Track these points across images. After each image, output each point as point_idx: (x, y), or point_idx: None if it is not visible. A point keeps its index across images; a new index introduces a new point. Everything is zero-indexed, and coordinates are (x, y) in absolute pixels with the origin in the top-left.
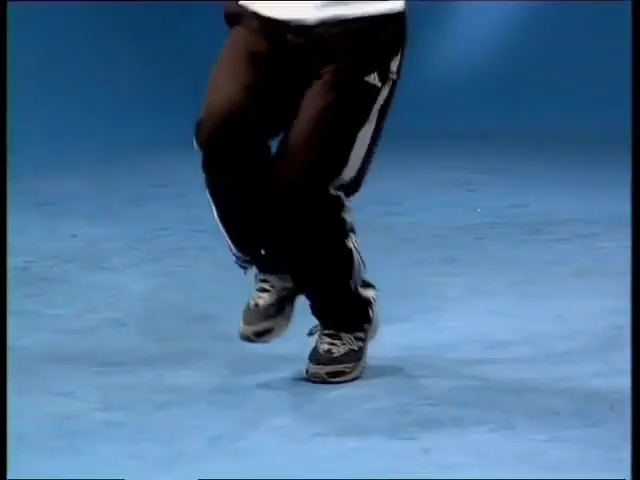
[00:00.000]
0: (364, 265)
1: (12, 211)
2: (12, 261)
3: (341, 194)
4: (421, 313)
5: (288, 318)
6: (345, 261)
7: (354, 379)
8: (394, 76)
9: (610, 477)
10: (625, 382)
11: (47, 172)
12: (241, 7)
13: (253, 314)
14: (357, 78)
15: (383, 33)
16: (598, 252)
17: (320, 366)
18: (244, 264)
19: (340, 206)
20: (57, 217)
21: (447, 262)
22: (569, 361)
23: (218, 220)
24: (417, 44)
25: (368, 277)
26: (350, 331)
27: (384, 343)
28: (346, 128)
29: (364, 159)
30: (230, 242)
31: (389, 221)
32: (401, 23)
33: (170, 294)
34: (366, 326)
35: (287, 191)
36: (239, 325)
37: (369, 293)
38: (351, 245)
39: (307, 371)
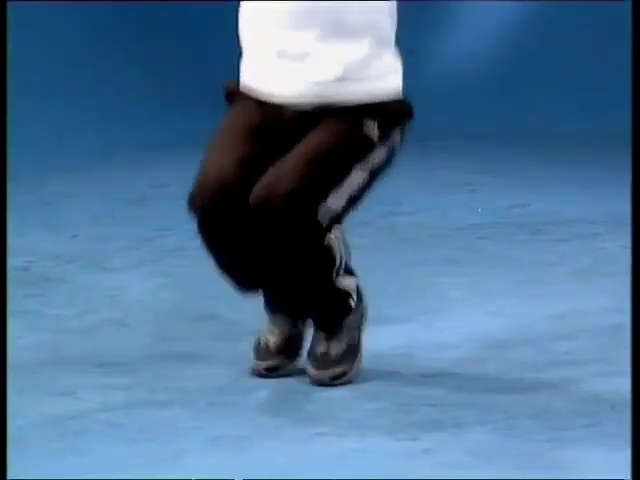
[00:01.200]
0: (348, 254)
1: (13, 211)
2: (13, 261)
3: (325, 221)
4: (422, 313)
5: (298, 354)
6: (324, 261)
7: (355, 377)
8: (392, 144)
9: (611, 477)
10: (626, 382)
11: (48, 172)
12: (240, 89)
13: (264, 351)
14: (355, 128)
15: (383, 105)
16: (599, 252)
17: (321, 371)
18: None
19: (323, 231)
20: (58, 217)
21: (448, 262)
22: (570, 361)
23: (216, 268)
24: (417, 44)
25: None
26: (334, 330)
27: (385, 343)
28: (337, 161)
29: (349, 201)
30: (234, 285)
31: (390, 221)
32: (402, 101)
33: (171, 294)
34: (358, 318)
35: (270, 207)
36: (251, 360)
37: (349, 283)
38: (334, 248)
39: (310, 376)
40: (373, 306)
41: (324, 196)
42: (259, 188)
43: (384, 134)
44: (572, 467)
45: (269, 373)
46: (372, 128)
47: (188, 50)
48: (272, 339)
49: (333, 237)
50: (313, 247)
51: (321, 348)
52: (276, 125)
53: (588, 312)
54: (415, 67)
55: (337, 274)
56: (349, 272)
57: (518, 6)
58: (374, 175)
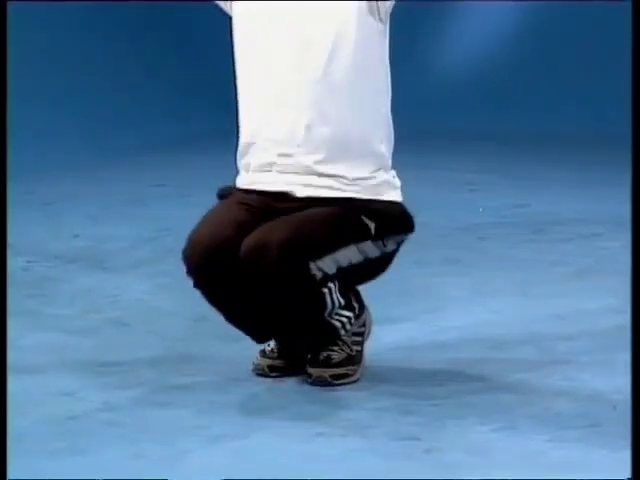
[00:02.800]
0: (344, 296)
1: (14, 211)
2: (14, 261)
3: (320, 275)
4: (424, 313)
5: (301, 359)
6: (318, 310)
7: (356, 381)
8: (387, 249)
9: (612, 477)
10: (627, 382)
11: (49, 172)
12: (233, 188)
13: (269, 351)
14: (353, 215)
15: (381, 213)
16: (600, 252)
17: (323, 369)
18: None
19: (316, 282)
20: (59, 217)
21: (450, 262)
22: (571, 361)
23: (226, 321)
24: (418, 44)
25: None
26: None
27: (386, 343)
28: (332, 231)
29: (339, 271)
30: (248, 336)
31: None
32: (402, 210)
33: (171, 294)
34: (362, 329)
35: (264, 255)
36: (255, 357)
37: (341, 318)
38: (327, 298)
39: (310, 375)
40: (375, 306)
41: (317, 255)
42: (250, 239)
43: (380, 236)
44: (573, 467)
45: (271, 372)
46: (369, 223)
47: (188, 50)
48: (277, 347)
49: (327, 291)
50: (306, 296)
51: (323, 354)
52: (272, 203)
53: (589, 312)
54: (415, 67)
55: (330, 315)
56: (347, 307)
57: (518, 6)
58: (368, 264)
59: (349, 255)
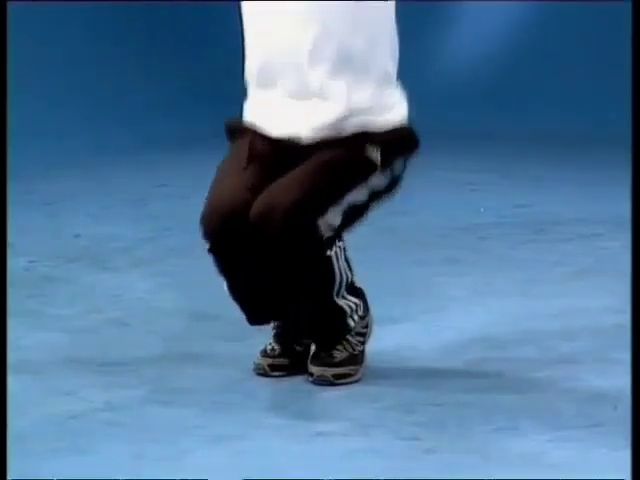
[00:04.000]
0: (351, 274)
1: (15, 211)
2: (15, 261)
3: (327, 234)
4: (424, 313)
5: (302, 360)
6: (325, 277)
7: (357, 381)
8: (395, 172)
9: (613, 477)
10: (628, 382)
11: (50, 172)
12: (241, 124)
13: (270, 351)
14: (357, 152)
15: (386, 137)
16: (601, 252)
17: (325, 368)
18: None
19: (323, 244)
20: (60, 217)
21: (450, 262)
22: (573, 361)
23: (229, 294)
24: (418, 44)
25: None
26: (328, 347)
27: (387, 343)
28: (337, 179)
29: (347, 218)
30: (244, 314)
31: (392, 221)
32: (406, 131)
33: (173, 294)
34: (365, 330)
35: (271, 220)
36: (256, 357)
37: (350, 302)
38: (334, 263)
39: (311, 374)
40: (375, 306)
41: (323, 211)
42: (259, 204)
43: (386, 161)
44: (574, 467)
45: (272, 371)
46: (374, 153)
47: (189, 51)
48: (278, 346)
49: (334, 255)
50: (313, 260)
51: (324, 353)
52: (280, 152)
53: (590, 312)
54: (416, 67)
55: (337, 294)
56: (353, 292)
57: (518, 6)
58: (374, 197)
59: (356, 197)
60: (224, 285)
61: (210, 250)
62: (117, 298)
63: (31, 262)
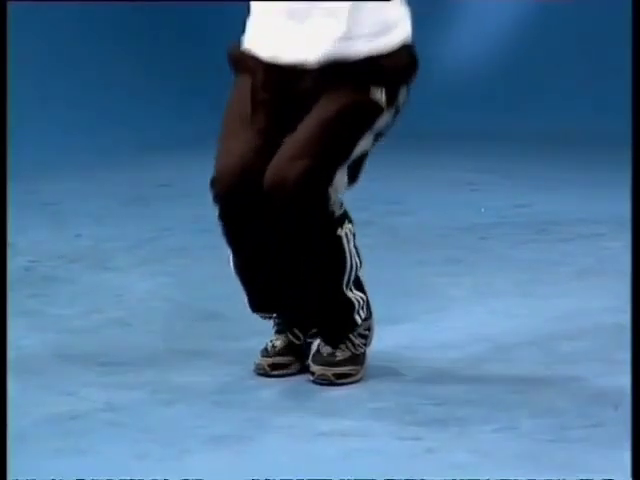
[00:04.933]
0: (360, 263)
1: (16, 211)
2: (16, 261)
3: (333, 197)
4: (425, 313)
5: (303, 357)
6: (336, 260)
7: (358, 381)
8: (399, 104)
9: (615, 477)
10: (629, 382)
11: (51, 172)
12: (244, 53)
13: (270, 350)
14: (362, 96)
15: (389, 64)
16: (602, 252)
17: (326, 367)
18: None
19: (333, 217)
20: (61, 217)
21: (451, 262)
22: (573, 361)
23: (235, 270)
24: (418, 44)
25: (366, 277)
26: (335, 342)
27: (388, 343)
28: (345, 133)
29: (354, 168)
30: (247, 300)
31: (393, 221)
32: (408, 54)
33: (174, 294)
34: (367, 332)
35: (283, 191)
36: (257, 357)
37: (357, 296)
38: (345, 244)
39: (313, 373)
40: (376, 306)
41: (333, 174)
42: (270, 174)
43: (391, 98)
44: (576, 467)
45: (272, 370)
46: (379, 94)
47: (189, 50)
48: (279, 343)
49: (344, 236)
50: (324, 237)
51: (328, 350)
52: (284, 94)
53: (591, 312)
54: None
55: (347, 284)
56: (360, 288)
57: (518, 6)
58: (378, 137)
59: (362, 147)
60: (230, 261)
61: (220, 216)
62: (118, 298)
63: (32, 262)
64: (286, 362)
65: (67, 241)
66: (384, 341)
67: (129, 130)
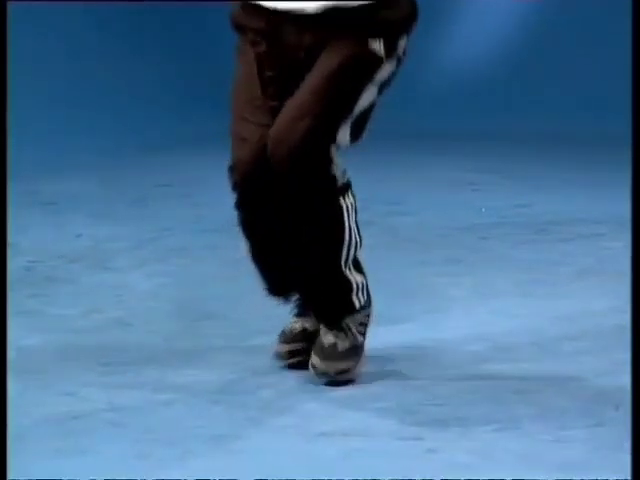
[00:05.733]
0: (360, 242)
1: (17, 211)
2: (17, 261)
3: (336, 158)
4: (425, 313)
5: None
6: (335, 231)
7: (359, 376)
8: (400, 54)
9: (616, 477)
10: (630, 382)
11: (52, 172)
12: (244, 10)
13: (288, 335)
14: (360, 48)
15: (388, 15)
16: (603, 252)
17: (328, 362)
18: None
19: (335, 182)
20: (62, 217)
21: (451, 262)
22: (574, 361)
23: (252, 257)
24: (418, 44)
25: (363, 261)
26: (336, 324)
27: (388, 343)
28: (346, 89)
29: (358, 123)
30: (265, 285)
31: (393, 221)
32: (408, 3)
33: (175, 294)
34: (366, 320)
35: (285, 152)
36: (276, 344)
37: (356, 278)
38: (345, 216)
39: (315, 367)
40: (376, 306)
41: (335, 132)
42: (272, 137)
43: (390, 48)
44: (577, 467)
45: (289, 358)
46: (378, 45)
47: (189, 51)
48: (297, 326)
49: (345, 208)
50: (326, 204)
51: (329, 340)
52: (288, 67)
53: (592, 312)
54: (416, 67)
55: (346, 262)
56: (359, 270)
57: (518, 6)
58: (382, 88)
59: (365, 100)
60: (245, 249)
61: (237, 204)
62: (118, 298)
63: (32, 262)
64: (302, 348)
65: (67, 241)
66: (384, 341)
67: (129, 130)
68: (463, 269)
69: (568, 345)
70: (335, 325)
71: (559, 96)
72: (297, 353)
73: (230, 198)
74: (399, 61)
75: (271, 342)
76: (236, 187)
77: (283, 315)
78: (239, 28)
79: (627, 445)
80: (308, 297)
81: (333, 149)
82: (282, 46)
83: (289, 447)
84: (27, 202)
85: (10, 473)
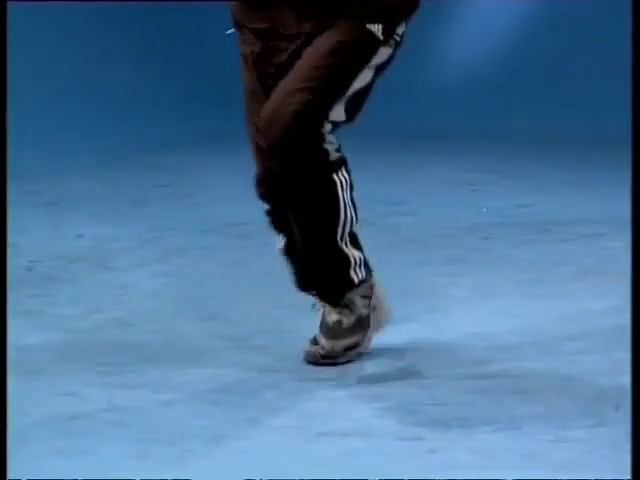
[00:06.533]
0: (356, 217)
1: (18, 211)
2: (18, 261)
3: (328, 134)
4: (426, 313)
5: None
6: (329, 206)
7: (365, 349)
8: (398, 38)
9: (616, 477)
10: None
11: (53, 172)
12: (242, 6)
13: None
14: (359, 25)
15: (388, 0)
16: (603, 252)
17: (333, 341)
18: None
19: (328, 157)
20: (63, 217)
21: (452, 262)
22: (575, 361)
23: (284, 253)
24: (419, 44)
25: (360, 235)
26: (336, 301)
27: (389, 343)
28: (341, 68)
29: (354, 102)
30: (294, 279)
31: (394, 221)
32: None
33: (175, 294)
34: (369, 292)
35: (278, 126)
36: (306, 345)
37: (353, 253)
38: (339, 191)
39: (322, 346)
40: None
41: (329, 109)
42: (266, 112)
43: (389, 34)
44: (577, 467)
45: (323, 359)
46: (376, 29)
47: (190, 51)
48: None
49: (339, 183)
50: (320, 179)
51: (333, 317)
52: (284, 52)
53: (592, 312)
54: (417, 67)
55: (342, 237)
56: (356, 245)
57: (518, 7)
58: (379, 72)
59: (361, 82)
60: (279, 246)
61: (268, 212)
62: (119, 298)
63: (33, 262)
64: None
65: (68, 241)
66: (385, 341)
67: (129, 130)
68: (463, 269)
69: (569, 345)
70: (336, 302)
71: (559, 96)
72: (329, 356)
73: (230, 198)
74: (397, 46)
75: (271, 342)
76: (266, 198)
77: (283, 315)
78: (237, 25)
79: (627, 445)
80: (307, 275)
81: (326, 125)
82: (280, 39)
83: (289, 447)
84: (28, 202)
85: (10, 473)
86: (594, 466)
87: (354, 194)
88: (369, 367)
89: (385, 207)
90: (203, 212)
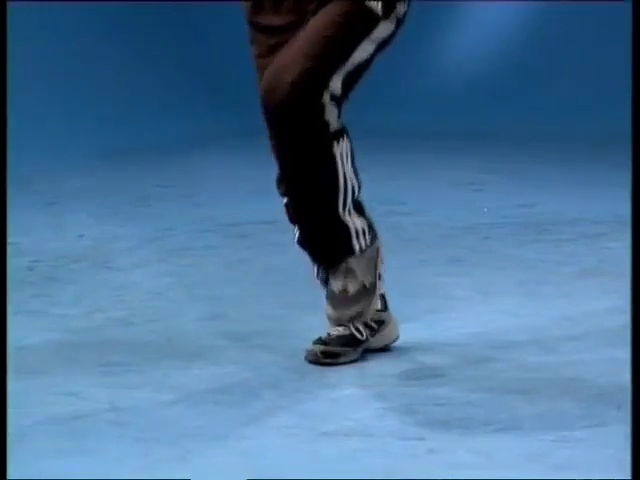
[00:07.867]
0: (359, 187)
1: (19, 211)
2: (19, 261)
3: (329, 104)
4: (427, 313)
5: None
6: (330, 177)
7: (370, 317)
8: (399, 15)
9: (617, 477)
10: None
11: (54, 172)
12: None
13: (326, 337)
14: (356, 5)
15: None
16: (604, 252)
17: (340, 310)
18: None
19: (325, 120)
20: (64, 217)
21: (453, 262)
22: (576, 361)
23: (298, 243)
24: (419, 44)
25: (364, 203)
26: (332, 264)
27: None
28: (340, 41)
29: (353, 75)
30: (313, 265)
31: (395, 221)
32: None
33: (176, 294)
34: (371, 258)
35: (278, 96)
36: (309, 345)
37: (356, 223)
38: (339, 165)
39: (328, 317)
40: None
41: (328, 80)
42: (265, 82)
43: (389, 9)
44: (578, 467)
45: (324, 358)
46: (375, 3)
47: (191, 51)
48: (335, 333)
49: (339, 156)
50: (319, 150)
51: (338, 286)
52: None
53: (593, 312)
54: (417, 67)
55: (344, 206)
56: (360, 212)
57: (518, 7)
58: (380, 48)
59: (361, 54)
60: (295, 237)
61: (285, 204)
62: (120, 298)
63: (34, 262)
64: (339, 352)
65: (69, 241)
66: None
67: (130, 130)
68: (464, 269)
69: (570, 345)
70: (337, 267)
71: (559, 96)
72: (331, 355)
73: (231, 198)
74: (399, 24)
75: (272, 342)
76: (285, 194)
77: (284, 315)
78: (250, 24)
79: (628, 445)
80: (309, 244)
81: (326, 95)
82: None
83: (290, 447)
84: (29, 202)
85: (10, 473)
86: (594, 466)
87: (356, 163)
88: (370, 367)
89: (386, 207)
90: (204, 212)
